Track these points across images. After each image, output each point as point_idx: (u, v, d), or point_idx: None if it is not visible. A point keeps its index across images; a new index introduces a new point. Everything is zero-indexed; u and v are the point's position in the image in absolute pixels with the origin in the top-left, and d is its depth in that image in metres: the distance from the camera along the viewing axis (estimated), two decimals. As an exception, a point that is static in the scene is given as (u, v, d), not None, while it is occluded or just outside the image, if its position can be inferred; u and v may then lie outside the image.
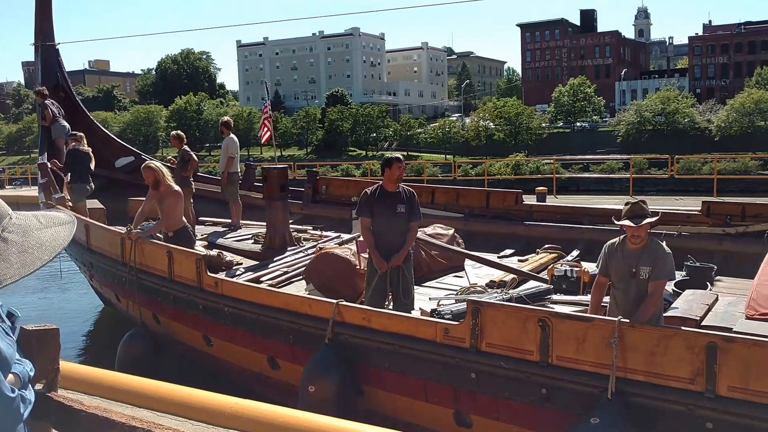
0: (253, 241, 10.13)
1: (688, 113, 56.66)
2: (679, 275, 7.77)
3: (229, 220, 11.34)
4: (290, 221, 11.64)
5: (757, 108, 52.75)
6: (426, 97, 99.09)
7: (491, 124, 63.56)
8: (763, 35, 77.95)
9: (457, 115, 78.48)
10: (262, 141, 11.92)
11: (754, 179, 35.03)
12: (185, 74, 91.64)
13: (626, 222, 4.30)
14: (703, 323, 5.35)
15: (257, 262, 8.97)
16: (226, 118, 11.45)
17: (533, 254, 9.34)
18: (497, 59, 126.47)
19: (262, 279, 8.14)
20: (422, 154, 62.91)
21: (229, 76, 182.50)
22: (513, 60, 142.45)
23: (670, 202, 16.61)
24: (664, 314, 5.64)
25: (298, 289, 7.62)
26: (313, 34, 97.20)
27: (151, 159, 13.09)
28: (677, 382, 3.82)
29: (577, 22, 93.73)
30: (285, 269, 8.54)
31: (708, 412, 3.75)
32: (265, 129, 11.44)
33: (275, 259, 8.96)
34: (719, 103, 60.31)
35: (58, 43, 12.73)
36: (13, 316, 1.67)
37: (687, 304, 5.97)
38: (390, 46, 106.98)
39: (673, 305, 6.12)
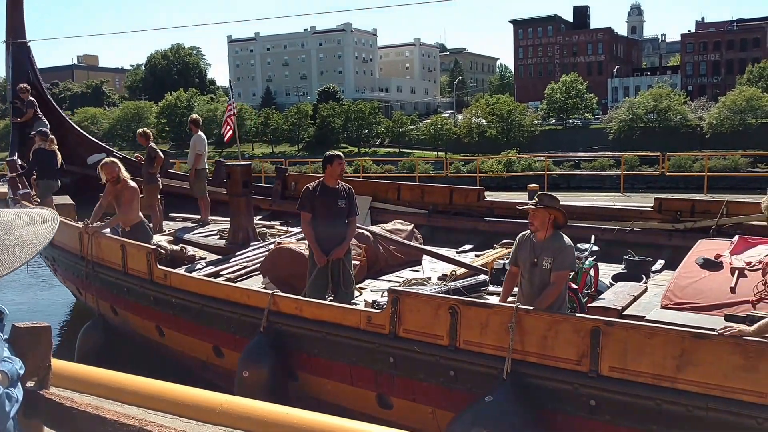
0: (218, 236, 10.47)
1: (680, 111, 57.11)
2: (619, 268, 8.19)
3: (199, 216, 11.67)
4: (259, 217, 12.04)
5: (749, 106, 53.22)
6: (418, 94, 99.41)
7: (483, 121, 63.96)
8: (754, 33, 78.63)
9: (449, 111, 78.92)
10: (225, 139, 12.17)
11: (745, 176, 35.47)
12: (175, 70, 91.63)
13: (528, 206, 4.70)
14: (625, 312, 5.74)
15: (220, 257, 9.32)
16: (194, 116, 11.78)
17: (490, 249, 9.71)
18: (490, 56, 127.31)
19: (221, 273, 8.49)
20: (414, 151, 63.18)
21: (219, 72, 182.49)
22: (505, 57, 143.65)
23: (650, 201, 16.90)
24: (591, 305, 6.04)
25: (256, 283, 7.97)
26: (305, 29, 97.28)
27: (121, 155, 13.43)
28: (566, 363, 4.20)
29: (570, 18, 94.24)
30: (245, 264, 8.89)
31: (591, 390, 4.12)
32: (228, 127, 11.74)
33: (237, 253, 9.30)
34: (711, 100, 60.85)
35: (29, 41, 13.00)
36: (2, 313, 1.66)
37: (614, 295, 6.36)
38: (382, 42, 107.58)
39: (601, 296, 6.52)
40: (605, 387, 4.08)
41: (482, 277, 7.20)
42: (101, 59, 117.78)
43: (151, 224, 10.52)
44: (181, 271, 7.06)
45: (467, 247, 10.26)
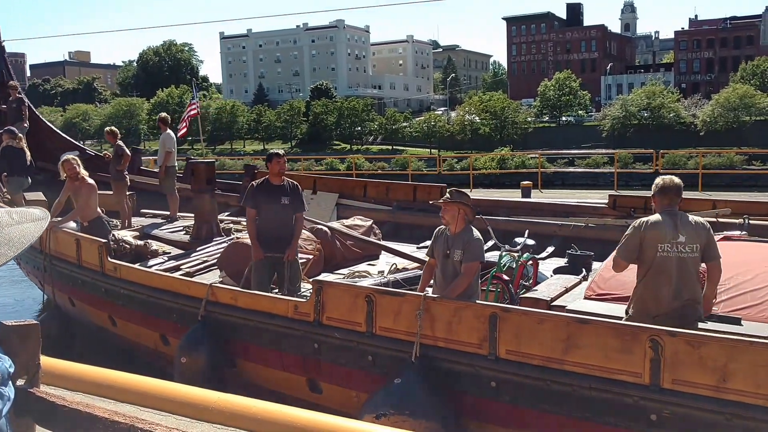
0: (184, 232, 10.78)
1: (673, 108, 57.48)
2: (562, 262, 8.54)
3: (169, 213, 11.98)
4: (227, 213, 12.37)
5: (742, 103, 53.61)
6: (411, 91, 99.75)
7: (477, 118, 64.29)
8: (748, 30, 79.16)
9: (442, 109, 79.21)
10: (179, 135, 12.43)
11: (740, 174, 35.85)
12: (167, 66, 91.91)
13: (440, 201, 5.04)
14: (554, 303, 6.07)
15: (183, 251, 9.65)
16: (163, 114, 12.09)
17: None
18: (483, 53, 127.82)
19: (181, 267, 8.83)
20: (407, 149, 63.49)
21: (211, 69, 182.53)
22: (499, 54, 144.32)
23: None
24: (523, 296, 6.37)
25: (215, 276, 8.29)
26: (297, 26, 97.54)
27: (92, 152, 13.74)
28: (468, 347, 4.54)
29: (564, 15, 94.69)
30: (206, 258, 9.22)
31: (491, 372, 4.46)
32: (184, 124, 12.03)
33: (199, 248, 9.63)
34: (704, 97, 61.23)
35: (4, 40, 13.28)
36: None
37: (547, 286, 6.70)
38: (375, 38, 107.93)
39: (534, 288, 6.86)
40: (503, 369, 4.42)
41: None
42: (93, 56, 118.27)
43: (118, 220, 10.91)
44: (131, 264, 7.36)
45: (428, 242, 10.58)
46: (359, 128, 68.84)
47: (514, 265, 7.02)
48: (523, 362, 4.34)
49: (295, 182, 6.67)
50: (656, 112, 57.20)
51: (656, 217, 4.50)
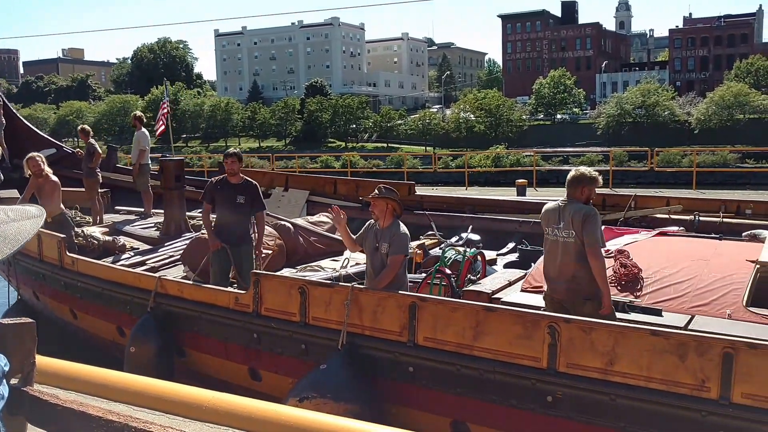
0: (155, 228, 11.08)
1: (668, 106, 57.66)
2: (513, 257, 8.85)
3: (143, 209, 12.27)
4: (199, 210, 12.65)
5: (737, 101, 53.83)
6: (406, 89, 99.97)
7: (472, 115, 64.37)
8: (742, 28, 79.43)
9: (437, 106, 79.31)
10: (157, 134, 12.72)
11: (733, 172, 36.08)
12: (162, 64, 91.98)
13: (370, 197, 5.35)
14: (495, 296, 6.38)
15: (151, 247, 9.95)
16: (138, 113, 12.37)
17: (416, 240, 10.36)
18: (478, 50, 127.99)
19: (147, 262, 9.13)
20: (402, 146, 63.64)
21: (206, 66, 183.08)
22: (494, 51, 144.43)
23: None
24: (466, 289, 6.67)
25: (178, 271, 8.59)
26: (292, 23, 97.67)
27: (69, 150, 14.02)
28: (390, 335, 4.84)
29: (559, 13, 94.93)
30: (172, 253, 9.52)
31: (410, 358, 4.76)
32: (161, 123, 12.32)
33: (167, 244, 9.93)
34: (699, 95, 61.41)
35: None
36: None
37: (491, 280, 7.02)
38: (370, 36, 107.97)
39: (479, 281, 7.16)
40: (420, 355, 4.72)
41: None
42: (87, 53, 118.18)
43: (89, 217, 11.20)
44: (98, 259, 7.66)
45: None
46: (354, 126, 68.94)
47: (461, 259, 7.31)
48: (438, 348, 4.64)
49: (253, 182, 6.92)
50: (651, 110, 57.37)
51: (551, 204, 4.99)
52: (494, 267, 8.31)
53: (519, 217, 10.49)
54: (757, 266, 5.86)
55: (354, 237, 5.55)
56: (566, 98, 66.71)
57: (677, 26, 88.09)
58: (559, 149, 53.86)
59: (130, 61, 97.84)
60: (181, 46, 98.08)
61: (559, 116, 66.90)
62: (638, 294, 5.73)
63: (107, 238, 9.76)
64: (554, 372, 4.20)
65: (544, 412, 4.27)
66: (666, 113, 57.49)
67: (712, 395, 3.75)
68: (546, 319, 4.28)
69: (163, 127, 12.14)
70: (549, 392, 4.23)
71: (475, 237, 7.80)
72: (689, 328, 4.91)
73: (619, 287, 5.84)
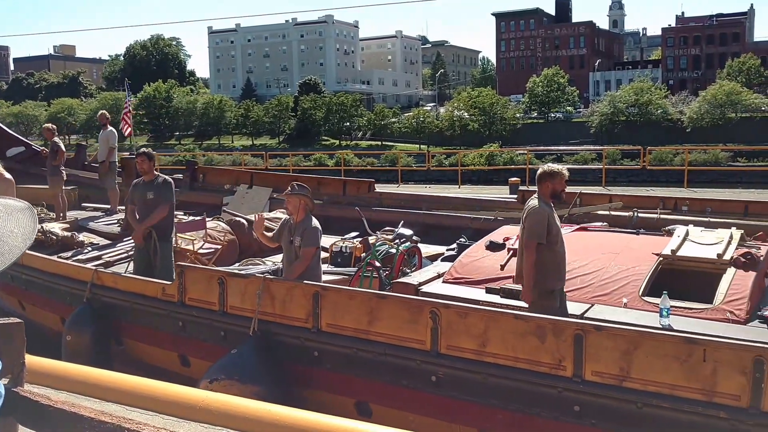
0: (118, 224, 11.47)
1: (661, 104, 58.09)
2: (453, 251, 9.24)
3: (109, 206, 12.66)
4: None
5: (729, 100, 54.28)
6: (400, 86, 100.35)
7: (465, 114, 64.80)
8: (734, 27, 79.99)
9: (431, 104, 79.76)
10: (125, 135, 13.16)
11: (725, 170, 36.48)
12: (154, 61, 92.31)
13: (284, 194, 5.74)
14: (421, 288, 6.77)
15: (110, 242, 10.35)
16: (105, 112, 12.79)
17: (372, 236, 10.77)
18: (472, 49, 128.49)
19: (103, 257, 9.52)
20: (396, 144, 64.01)
21: (199, 63, 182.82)
22: (488, 49, 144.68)
23: (640, 192, 17.22)
24: (395, 281, 7.06)
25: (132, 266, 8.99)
26: (286, 21, 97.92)
27: (38, 148, 14.40)
28: (297, 322, 5.24)
29: (552, 11, 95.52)
30: (128, 249, 9.91)
31: (315, 343, 5.16)
32: (125, 124, 12.73)
33: (125, 239, 10.32)
34: (692, 94, 61.87)
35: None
36: None
37: (422, 272, 7.43)
38: (364, 34, 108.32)
39: (409, 273, 7.56)
40: (323, 340, 5.12)
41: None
42: (78, 50, 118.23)
43: (53, 213, 11.60)
44: (34, 252, 8.03)
45: (353, 234, 11.31)
46: (348, 124, 69.26)
47: (395, 253, 7.71)
48: (339, 333, 5.04)
49: (166, 179, 7.18)
50: (644, 109, 57.82)
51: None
52: (440, 261, 8.69)
53: (471, 213, 10.90)
54: (660, 259, 6.27)
55: (270, 235, 5.93)
56: (560, 97, 67.13)
57: (670, 25, 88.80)
58: (552, 147, 54.25)
59: (122, 58, 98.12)
60: (174, 43, 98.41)
61: (552, 115, 67.31)
62: (549, 286, 6.14)
63: (66, 233, 10.15)
64: (436, 354, 4.60)
65: (430, 391, 4.67)
66: (659, 112, 57.91)
67: (567, 373, 4.14)
68: (428, 305, 4.68)
69: (129, 128, 12.55)
70: (433, 372, 4.63)
71: (408, 231, 8.19)
72: (585, 316, 5.31)
73: (531, 279, 6.26)
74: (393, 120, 68.97)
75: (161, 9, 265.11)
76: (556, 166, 5.78)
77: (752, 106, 55.20)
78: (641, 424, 3.94)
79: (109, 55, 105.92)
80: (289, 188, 5.76)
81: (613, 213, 9.80)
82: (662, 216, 9.49)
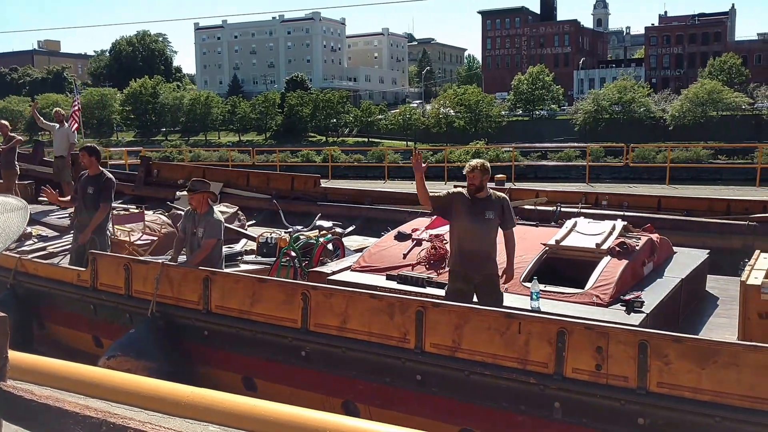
0: (69, 218, 11.92)
1: (644, 103, 58.84)
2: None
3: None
4: (120, 201, 13.49)
5: (710, 98, 55.06)
6: (387, 84, 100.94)
7: (452, 111, 65.40)
8: (715, 27, 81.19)
9: (417, 101, 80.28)
10: (73, 130, 13.47)
11: (705, 168, 37.10)
12: (140, 56, 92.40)
13: (185, 192, 6.18)
14: (331, 277, 7.24)
15: (58, 234, 10.79)
16: (61, 110, 13.23)
17: (289, 228, 11.24)
18: (458, 46, 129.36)
19: (47, 248, 9.97)
20: (383, 141, 64.47)
21: (186, 59, 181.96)
22: (473, 47, 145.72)
23: (623, 189, 17.56)
24: (311, 270, 7.54)
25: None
26: (273, 17, 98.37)
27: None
28: (190, 304, 5.72)
29: (537, 10, 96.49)
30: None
31: (205, 323, 5.64)
32: (73, 121, 13.12)
33: (72, 231, 10.78)
34: (674, 92, 62.65)
35: None
36: None
37: (338, 262, 7.89)
38: (350, 31, 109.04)
39: (325, 263, 8.03)
40: (212, 320, 5.60)
41: (237, 248, 8.72)
42: (63, 45, 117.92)
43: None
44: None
45: (298, 227, 11.78)
46: (335, 120, 69.62)
47: (315, 243, 8.19)
48: (226, 314, 5.52)
49: (106, 176, 7.45)
50: (627, 107, 58.54)
51: None
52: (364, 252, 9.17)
53: (410, 207, 11.39)
54: (546, 248, 6.78)
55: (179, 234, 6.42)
56: (544, 94, 67.81)
57: (653, 24, 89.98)
58: (537, 145, 54.68)
59: (108, 54, 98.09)
60: (160, 39, 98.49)
61: (537, 112, 67.99)
62: (440, 272, 6.63)
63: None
64: (306, 331, 5.08)
65: (301, 365, 5.15)
66: (642, 110, 58.66)
67: (410, 346, 4.64)
68: (300, 287, 5.17)
69: (76, 124, 12.98)
70: (303, 348, 5.11)
71: (326, 224, 8.67)
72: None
73: (427, 266, 6.74)
74: (380, 117, 69.41)
75: (147, 4, 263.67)
76: (472, 162, 6.07)
77: (732, 105, 55.97)
78: (470, 391, 4.44)
79: (95, 51, 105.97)
80: (191, 186, 6.18)
81: (538, 207, 10.34)
82: (582, 210, 10.05)
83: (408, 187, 19.09)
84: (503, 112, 66.38)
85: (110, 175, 7.64)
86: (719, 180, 30.59)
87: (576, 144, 53.33)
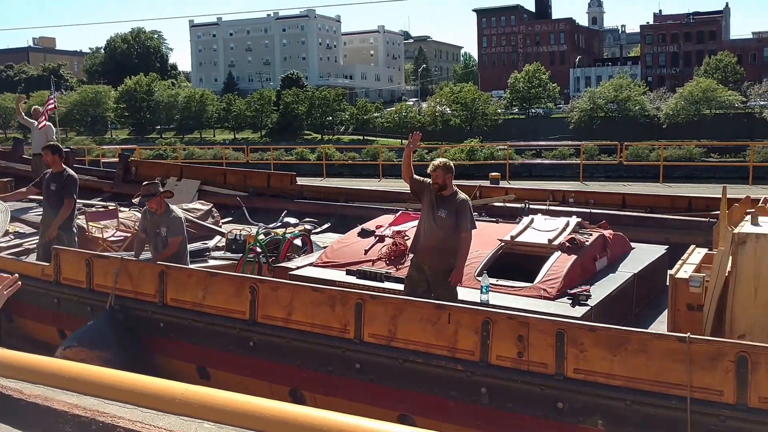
0: (49, 214, 12.13)
1: (639, 101, 59.03)
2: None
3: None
4: (99, 198, 13.71)
5: (705, 97, 55.24)
6: (383, 81, 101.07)
7: (448, 109, 65.53)
8: (710, 25, 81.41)
9: (413, 99, 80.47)
10: (39, 128, 13.59)
11: (698, 166, 37.29)
12: (136, 54, 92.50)
13: (144, 199, 6.41)
14: (294, 272, 7.45)
15: (35, 230, 11.01)
16: (39, 107, 13.43)
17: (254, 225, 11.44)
18: (454, 44, 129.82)
19: (23, 244, 10.18)
20: (378, 139, 64.62)
21: (181, 57, 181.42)
22: (469, 45, 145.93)
23: (618, 188, 17.59)
24: (276, 265, 7.75)
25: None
26: (268, 15, 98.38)
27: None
28: (147, 297, 5.93)
29: (533, 8, 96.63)
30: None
31: (161, 316, 5.85)
32: (43, 118, 13.28)
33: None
34: (670, 91, 62.80)
35: None
36: None
37: (304, 258, 8.10)
38: (346, 28, 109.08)
39: (290, 259, 8.25)
40: (168, 313, 5.82)
41: (206, 244, 8.94)
42: (59, 42, 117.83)
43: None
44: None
45: (273, 224, 12.01)
46: (330, 118, 69.65)
47: (282, 239, 8.41)
48: (181, 307, 5.73)
49: (69, 174, 7.62)
50: (623, 105, 58.71)
51: None
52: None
53: (383, 205, 11.60)
54: (501, 243, 7.00)
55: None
56: (540, 93, 67.94)
57: (648, 23, 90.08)
58: (532, 143, 54.90)
59: (103, 51, 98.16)
60: (155, 36, 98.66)
61: (533, 110, 68.13)
62: (399, 267, 6.84)
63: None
64: (253, 322, 5.30)
65: (249, 354, 5.37)
66: (637, 108, 58.85)
67: (350, 336, 4.85)
68: (249, 281, 5.38)
69: (45, 122, 13.18)
70: (250, 339, 5.33)
71: (293, 221, 8.88)
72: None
73: (387, 261, 6.96)
74: (375, 115, 69.51)
75: (142, 1, 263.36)
76: (435, 161, 6.22)
77: (726, 103, 56.18)
78: (405, 378, 4.66)
79: (90, 48, 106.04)
80: (145, 193, 6.40)
81: (507, 204, 10.55)
82: (551, 207, 10.27)
83: (400, 185, 19.25)
84: (499, 110, 66.47)
85: (72, 172, 7.81)
86: (713, 178, 30.85)
87: (570, 142, 53.58)
